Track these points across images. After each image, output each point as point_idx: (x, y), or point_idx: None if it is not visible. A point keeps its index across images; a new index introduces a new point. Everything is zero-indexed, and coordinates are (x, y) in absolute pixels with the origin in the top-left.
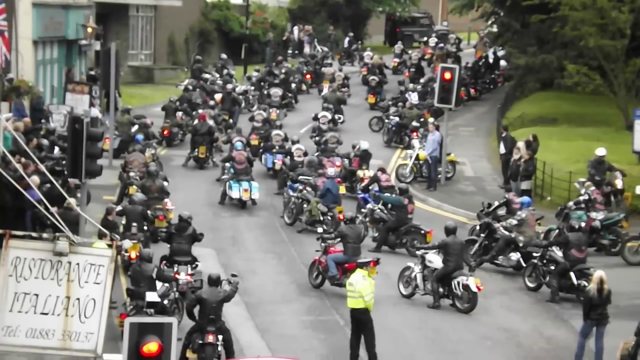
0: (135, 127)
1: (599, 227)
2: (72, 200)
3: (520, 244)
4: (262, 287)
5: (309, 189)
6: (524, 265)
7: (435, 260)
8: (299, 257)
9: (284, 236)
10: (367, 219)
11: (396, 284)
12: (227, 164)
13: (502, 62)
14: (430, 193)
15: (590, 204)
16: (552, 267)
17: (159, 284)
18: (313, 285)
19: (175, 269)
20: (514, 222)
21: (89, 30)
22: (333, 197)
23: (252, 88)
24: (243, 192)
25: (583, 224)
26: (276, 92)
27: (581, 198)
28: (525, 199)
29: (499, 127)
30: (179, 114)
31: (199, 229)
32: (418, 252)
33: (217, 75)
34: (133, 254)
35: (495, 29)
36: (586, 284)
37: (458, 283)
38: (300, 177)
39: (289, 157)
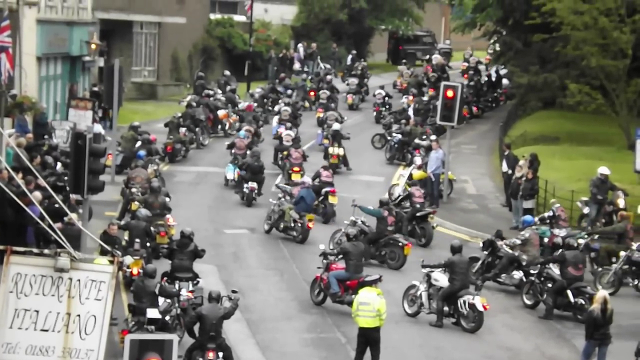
0: (139, 143)
1: (560, 244)
2: (73, 216)
3: (524, 263)
4: (263, 304)
5: (288, 197)
6: None
7: (441, 278)
8: (301, 274)
9: (286, 253)
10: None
11: (398, 301)
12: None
13: (504, 81)
14: None
15: (554, 221)
16: (549, 285)
17: (161, 300)
18: (314, 302)
19: (177, 285)
20: (518, 241)
21: (93, 46)
22: (306, 206)
23: (255, 104)
24: (236, 174)
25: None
26: (353, 81)
27: (546, 214)
28: (528, 217)
29: (502, 145)
30: (182, 130)
31: (200, 245)
32: (424, 271)
33: (220, 92)
34: (135, 270)
35: (497, 47)
36: (583, 302)
37: (464, 302)
38: (280, 184)
39: (279, 140)
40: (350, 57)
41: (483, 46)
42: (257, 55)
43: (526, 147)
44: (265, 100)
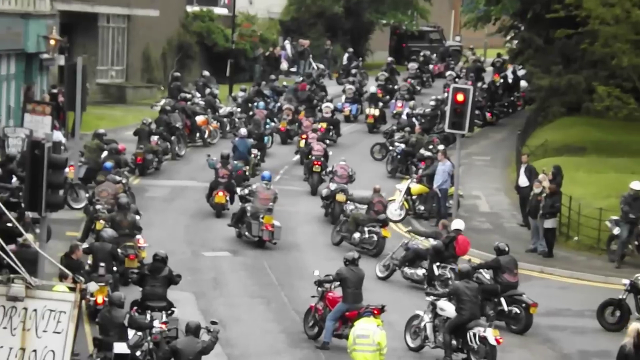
0: (105, 153)
1: (329, 194)
2: (29, 237)
3: (248, 214)
4: (247, 337)
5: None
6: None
7: (448, 308)
8: (290, 303)
9: (273, 278)
10: None
11: (400, 334)
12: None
13: (523, 83)
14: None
15: (332, 176)
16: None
17: (130, 333)
18: (309, 335)
19: (148, 316)
20: (246, 190)
21: (52, 42)
22: (240, 154)
23: (239, 110)
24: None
25: None
26: (413, 65)
27: (327, 170)
28: (266, 174)
29: (519, 157)
30: (154, 138)
31: (175, 270)
32: (428, 299)
33: (198, 95)
34: (100, 299)
35: (514, 45)
36: (518, 311)
37: (474, 335)
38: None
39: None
40: (346, 55)
41: (498, 43)
42: (240, 53)
43: (547, 158)
44: (249, 104)
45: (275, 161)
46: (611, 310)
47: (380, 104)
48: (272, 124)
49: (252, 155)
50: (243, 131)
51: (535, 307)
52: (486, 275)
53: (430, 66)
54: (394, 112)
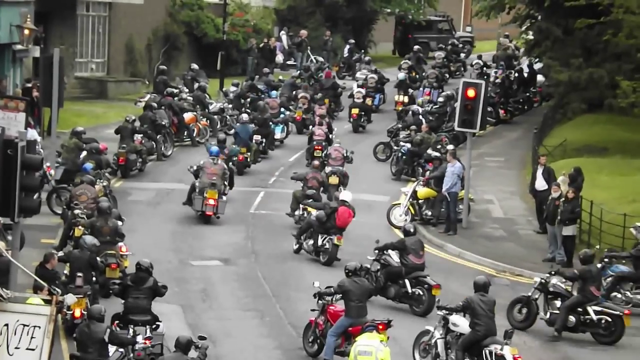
0: (84, 154)
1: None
2: (1, 245)
3: (197, 190)
4: (239, 353)
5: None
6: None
7: (461, 323)
8: (287, 317)
9: (268, 289)
10: None
11: (408, 351)
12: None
13: (540, 77)
14: (449, 238)
15: (326, 159)
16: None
17: (111, 349)
18: (308, 352)
19: (131, 330)
20: (194, 167)
21: (26, 32)
22: (242, 140)
23: (230, 106)
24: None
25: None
26: (440, 54)
27: (322, 154)
28: (213, 149)
29: (535, 157)
30: (138, 137)
31: (161, 281)
32: (440, 313)
33: (186, 90)
34: (77, 312)
35: (531, 36)
36: (421, 292)
37: (490, 353)
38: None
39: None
40: (347, 47)
41: (513, 34)
42: (232, 44)
43: (566, 159)
44: (242, 100)
45: (273, 159)
46: (519, 308)
47: (410, 90)
48: (288, 112)
49: (254, 142)
50: (244, 116)
51: (437, 288)
52: (394, 257)
53: (462, 55)
54: (421, 99)
